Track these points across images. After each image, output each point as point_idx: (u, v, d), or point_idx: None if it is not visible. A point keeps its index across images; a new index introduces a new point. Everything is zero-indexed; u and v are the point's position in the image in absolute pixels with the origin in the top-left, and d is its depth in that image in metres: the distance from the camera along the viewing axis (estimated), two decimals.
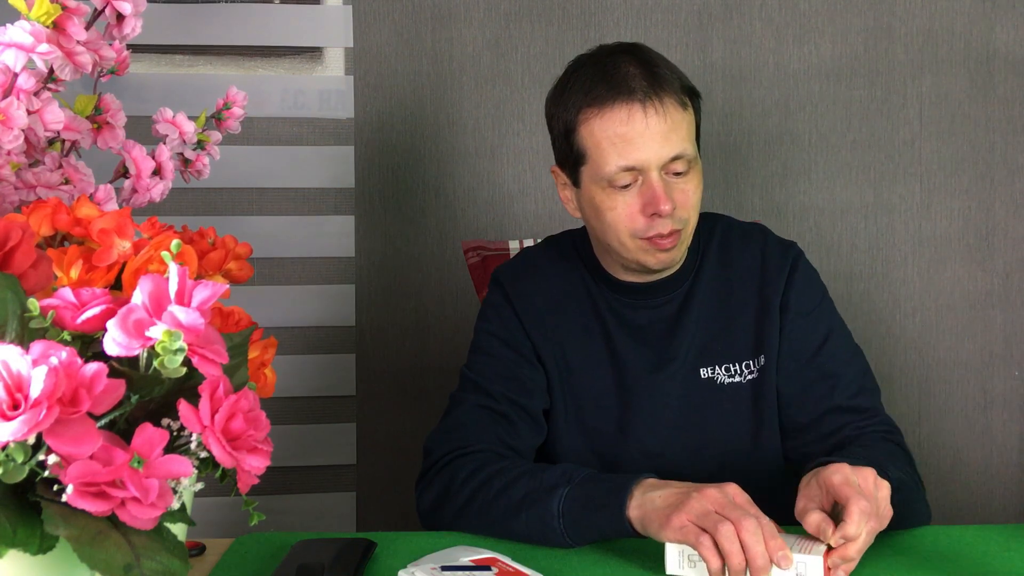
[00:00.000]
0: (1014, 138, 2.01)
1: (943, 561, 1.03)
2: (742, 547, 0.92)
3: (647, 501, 1.01)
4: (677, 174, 1.21)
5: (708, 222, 1.35)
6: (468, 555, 1.00)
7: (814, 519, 0.95)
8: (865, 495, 0.95)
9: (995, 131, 2.01)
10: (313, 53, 1.92)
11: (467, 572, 0.95)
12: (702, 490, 0.97)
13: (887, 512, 0.98)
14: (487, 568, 0.96)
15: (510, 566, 0.97)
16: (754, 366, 1.29)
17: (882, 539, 1.09)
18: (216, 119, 1.15)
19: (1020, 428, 2.04)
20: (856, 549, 0.94)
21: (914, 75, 1.99)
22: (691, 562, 0.96)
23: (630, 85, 1.19)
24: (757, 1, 1.97)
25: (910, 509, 1.10)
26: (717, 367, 1.29)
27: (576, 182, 1.27)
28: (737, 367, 1.29)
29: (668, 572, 0.97)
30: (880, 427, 1.24)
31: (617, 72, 1.20)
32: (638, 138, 1.18)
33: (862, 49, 1.99)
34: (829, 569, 0.94)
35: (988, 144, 2.01)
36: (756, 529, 0.92)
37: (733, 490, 0.98)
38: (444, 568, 0.96)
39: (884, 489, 0.98)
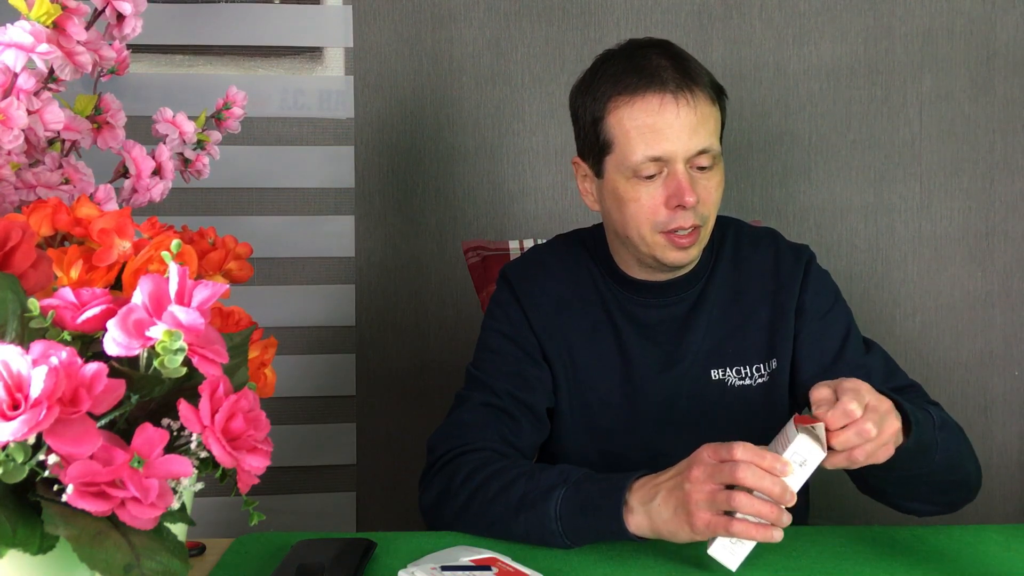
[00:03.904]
0: (1014, 138, 2.01)
1: (943, 561, 1.03)
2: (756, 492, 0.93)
3: (653, 513, 1.00)
4: (701, 169, 1.21)
5: (720, 225, 1.35)
6: (468, 555, 1.00)
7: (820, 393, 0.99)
8: (873, 413, 0.96)
9: (995, 131, 2.01)
10: (313, 53, 1.92)
11: (467, 572, 0.95)
12: (688, 475, 0.98)
13: (889, 440, 0.98)
14: (487, 568, 0.96)
15: (510, 566, 0.97)
16: (765, 369, 1.29)
17: (882, 538, 1.09)
18: (216, 119, 1.15)
19: (1020, 428, 2.04)
20: (876, 419, 0.95)
21: (914, 75, 1.99)
22: (733, 544, 0.96)
23: (662, 76, 1.20)
24: (757, 1, 1.97)
25: (956, 452, 1.12)
26: (728, 369, 1.29)
27: (599, 172, 1.27)
28: (748, 370, 1.29)
29: (735, 569, 0.96)
30: (925, 399, 1.25)
31: (648, 64, 1.21)
32: (667, 129, 1.18)
33: (862, 49, 1.99)
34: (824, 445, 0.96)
35: (988, 144, 2.01)
36: (751, 469, 0.93)
37: (705, 454, 0.98)
38: (444, 568, 0.96)
39: (892, 425, 0.98)
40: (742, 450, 0.95)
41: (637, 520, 1.01)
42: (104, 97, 1.05)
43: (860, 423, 0.95)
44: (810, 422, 0.97)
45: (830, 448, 0.96)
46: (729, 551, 0.96)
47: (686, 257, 1.24)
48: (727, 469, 0.95)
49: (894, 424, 0.98)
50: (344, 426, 1.95)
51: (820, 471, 0.98)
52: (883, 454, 0.98)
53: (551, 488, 1.07)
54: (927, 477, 1.10)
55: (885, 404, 0.98)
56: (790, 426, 0.98)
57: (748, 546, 0.95)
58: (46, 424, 0.58)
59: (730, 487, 0.95)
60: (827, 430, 0.96)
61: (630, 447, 1.30)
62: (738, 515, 0.94)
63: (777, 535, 0.94)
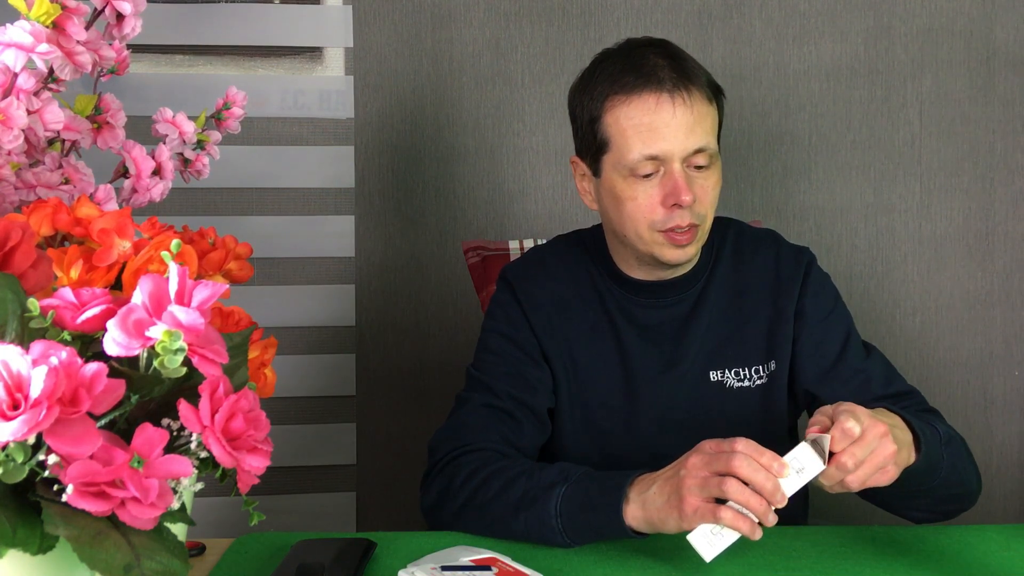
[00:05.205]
0: (1014, 138, 2.01)
1: (943, 561, 1.03)
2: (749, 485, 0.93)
3: (647, 501, 1.01)
4: (698, 168, 1.21)
5: (721, 226, 1.34)
6: (468, 555, 1.00)
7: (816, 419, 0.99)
8: (862, 439, 0.96)
9: (995, 131, 2.01)
10: (313, 53, 1.92)
11: (467, 572, 0.95)
12: (686, 464, 0.99)
13: (887, 463, 0.98)
14: (487, 568, 0.96)
15: (510, 566, 0.97)
16: (764, 371, 1.29)
17: (882, 538, 1.09)
18: (216, 119, 1.15)
19: (1020, 428, 2.04)
20: (863, 446, 0.95)
21: (914, 75, 1.99)
22: (713, 535, 0.96)
23: (659, 75, 1.20)
24: (757, 1, 1.97)
25: (961, 467, 1.13)
26: (727, 371, 1.29)
27: (596, 172, 1.27)
28: (747, 372, 1.29)
29: (708, 560, 0.96)
30: (923, 405, 1.25)
31: (645, 63, 1.21)
32: (664, 127, 1.19)
33: (862, 49, 1.98)
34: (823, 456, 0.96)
35: (988, 144, 2.01)
36: (748, 461, 0.94)
37: (707, 446, 0.99)
38: (444, 568, 0.96)
39: (887, 448, 0.97)
40: (743, 444, 0.96)
41: (633, 511, 1.02)
42: (104, 97, 1.05)
43: (854, 447, 0.95)
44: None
45: None
46: (707, 541, 0.96)
47: (684, 255, 1.24)
48: (724, 458, 0.95)
49: (890, 447, 0.97)
50: (344, 426, 1.95)
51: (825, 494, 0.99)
52: (884, 478, 0.98)
53: (551, 486, 1.08)
54: (930, 492, 1.10)
55: (879, 428, 0.97)
56: (801, 443, 0.98)
57: (727, 540, 0.95)
58: (46, 424, 0.58)
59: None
60: (830, 453, 0.96)
61: (629, 448, 1.29)
62: (728, 505, 0.94)
63: (759, 533, 0.94)
